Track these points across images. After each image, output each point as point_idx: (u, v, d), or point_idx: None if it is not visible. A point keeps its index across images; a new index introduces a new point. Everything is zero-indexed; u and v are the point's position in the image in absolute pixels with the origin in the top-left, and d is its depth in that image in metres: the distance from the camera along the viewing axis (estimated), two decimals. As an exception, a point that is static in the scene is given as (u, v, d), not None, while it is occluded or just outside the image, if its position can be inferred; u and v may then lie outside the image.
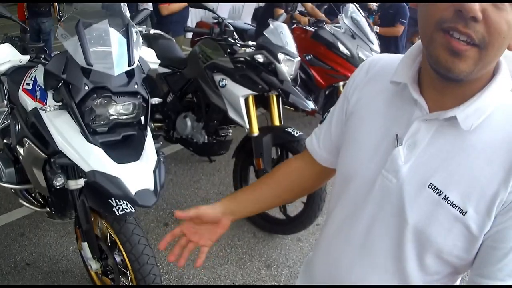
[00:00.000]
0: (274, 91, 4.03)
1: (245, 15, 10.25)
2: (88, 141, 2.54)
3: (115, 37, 2.69)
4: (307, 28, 6.26)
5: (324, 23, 6.19)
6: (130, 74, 2.66)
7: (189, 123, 4.62)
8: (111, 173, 2.48)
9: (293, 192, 1.67)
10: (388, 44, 7.11)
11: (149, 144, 2.76)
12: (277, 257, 4.05)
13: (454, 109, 1.09)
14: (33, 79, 3.05)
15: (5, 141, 4.06)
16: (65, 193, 3.12)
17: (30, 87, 3.03)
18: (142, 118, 2.81)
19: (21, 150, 3.10)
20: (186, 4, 6.49)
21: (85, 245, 3.00)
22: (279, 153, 4.16)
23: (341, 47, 5.80)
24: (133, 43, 2.74)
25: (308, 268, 1.59)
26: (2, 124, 4.28)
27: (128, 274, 2.96)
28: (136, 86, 2.66)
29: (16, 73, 3.82)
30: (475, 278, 1.09)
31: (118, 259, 3.00)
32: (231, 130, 4.79)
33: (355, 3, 6.11)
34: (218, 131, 4.68)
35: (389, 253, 1.22)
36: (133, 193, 2.49)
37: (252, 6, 9.81)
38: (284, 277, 3.84)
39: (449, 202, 1.09)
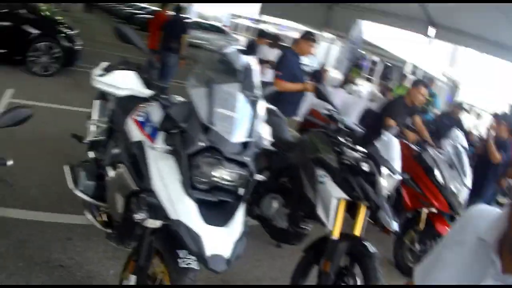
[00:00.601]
0: (365, 201, 3.99)
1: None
2: (185, 193, 2.62)
3: (242, 104, 2.77)
4: (412, 146, 6.26)
5: (428, 145, 6.16)
6: (245, 144, 2.73)
7: (275, 205, 4.65)
8: (195, 230, 2.54)
9: None
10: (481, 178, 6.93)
11: (240, 215, 2.81)
12: None
13: None
14: (146, 113, 3.20)
15: (93, 155, 4.18)
16: (134, 225, 3.18)
17: (141, 119, 3.18)
18: (242, 190, 2.85)
19: (111, 172, 3.26)
20: (303, 86, 6.58)
21: (133, 277, 3.02)
22: (348, 263, 4.01)
23: (438, 175, 5.71)
24: (257, 117, 2.83)
25: None
26: (95, 137, 4.43)
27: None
28: (247, 159, 2.72)
29: (126, 99, 3.95)
30: None
31: None
32: (311, 225, 4.73)
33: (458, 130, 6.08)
34: (300, 222, 4.64)
35: None
36: (208, 255, 2.53)
37: (361, 107, 9.86)
38: None
39: None
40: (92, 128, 4.63)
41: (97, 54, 12.53)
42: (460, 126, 7.42)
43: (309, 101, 7.69)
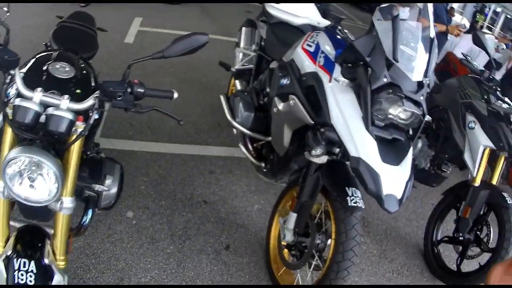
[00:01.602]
0: (506, 153, 3.90)
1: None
2: (367, 129, 2.54)
3: (421, 43, 2.68)
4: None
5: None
6: (420, 84, 2.63)
7: (419, 145, 4.54)
8: (375, 168, 2.47)
9: None
10: None
11: (410, 155, 2.73)
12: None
13: None
14: (315, 43, 3.07)
15: (239, 83, 4.15)
16: (293, 159, 3.16)
17: (312, 49, 3.05)
18: (411, 130, 2.79)
19: (279, 104, 3.16)
20: (447, 28, 6.41)
21: (293, 215, 2.99)
22: (485, 210, 4.01)
23: None
24: (433, 57, 2.73)
25: None
26: (243, 65, 4.38)
27: (318, 260, 2.95)
28: (422, 98, 2.62)
29: (280, 28, 3.87)
30: None
31: (317, 241, 2.97)
32: (451, 168, 4.68)
33: None
34: (442, 165, 4.60)
35: None
36: (385, 195, 2.47)
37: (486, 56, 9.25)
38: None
39: None
40: (240, 56, 4.57)
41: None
42: None
43: (446, 46, 7.50)
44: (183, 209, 3.78)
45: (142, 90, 2.08)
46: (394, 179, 2.54)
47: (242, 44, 4.61)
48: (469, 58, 4.66)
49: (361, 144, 2.52)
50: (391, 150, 2.62)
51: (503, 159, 4.00)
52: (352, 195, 2.67)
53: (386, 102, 2.55)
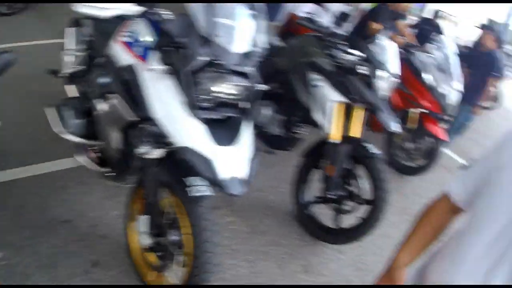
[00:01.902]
0: (361, 103, 3.88)
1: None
2: (191, 114, 2.38)
3: (243, 13, 2.53)
4: (400, 49, 6.02)
5: (416, 49, 6.02)
6: (247, 55, 2.51)
7: (267, 112, 4.47)
8: (205, 155, 2.34)
9: (438, 238, 1.78)
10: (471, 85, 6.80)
11: (249, 131, 2.61)
12: (316, 264, 3.93)
13: None
14: (131, 32, 2.88)
15: (74, 88, 3.89)
16: (133, 159, 2.97)
17: (128, 39, 2.86)
18: (247, 104, 2.65)
19: (101, 105, 2.94)
20: None
21: (144, 218, 2.85)
22: (351, 164, 4.00)
23: (427, 77, 5.69)
24: (260, 26, 2.60)
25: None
26: (74, 68, 4.11)
27: (180, 256, 2.81)
28: (249, 69, 2.51)
29: (105, 21, 3.65)
30: None
31: (173, 238, 2.82)
32: (303, 129, 4.63)
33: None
34: (294, 127, 4.54)
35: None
36: (224, 179, 2.35)
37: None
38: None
39: None
40: (68, 59, 4.27)
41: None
42: (440, 32, 7.26)
43: (287, 5, 7.48)
44: (46, 235, 3.51)
45: None
46: (233, 160, 2.42)
47: (68, 46, 4.31)
48: (313, 16, 4.59)
49: (186, 131, 2.37)
50: (225, 130, 2.50)
51: (359, 111, 3.98)
52: (193, 185, 2.53)
53: (208, 82, 2.41)
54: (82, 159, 3.44)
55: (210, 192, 2.57)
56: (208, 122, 2.43)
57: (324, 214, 4.28)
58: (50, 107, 3.50)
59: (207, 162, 2.33)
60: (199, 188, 2.53)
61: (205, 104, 2.45)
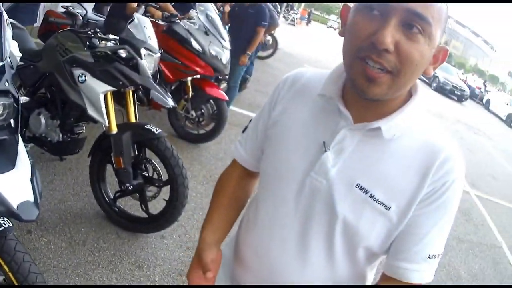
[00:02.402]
0: (132, 87, 3.85)
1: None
2: None
3: None
4: (160, 22, 6.05)
5: (177, 19, 6.00)
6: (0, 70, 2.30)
7: (43, 120, 4.21)
8: None
9: (243, 206, 1.77)
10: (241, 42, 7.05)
11: (22, 149, 2.40)
12: (146, 256, 3.89)
13: (378, 121, 1.26)
14: None
15: None
16: None
17: None
18: (12, 121, 2.42)
19: None
20: None
21: None
22: (138, 151, 3.96)
23: (194, 43, 5.74)
24: (4, 35, 2.37)
25: (238, 261, 1.64)
26: None
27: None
28: (6, 84, 2.30)
29: None
30: (395, 262, 1.31)
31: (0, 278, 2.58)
32: (85, 128, 4.46)
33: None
34: (74, 128, 4.33)
35: (322, 248, 1.36)
36: (15, 207, 2.15)
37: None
38: (157, 276, 3.70)
39: (374, 199, 1.25)
40: None
41: None
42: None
43: (43, 5, 7.16)
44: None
45: None
46: (17, 184, 2.23)
47: None
48: (70, 7, 4.34)
49: None
50: (1, 155, 2.28)
51: (131, 94, 3.95)
52: None
53: None
54: None
55: (10, 223, 2.35)
56: None
57: (134, 205, 4.25)
58: None
59: None
60: (0, 222, 2.31)
61: None
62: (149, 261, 3.84)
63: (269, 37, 10.89)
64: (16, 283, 2.41)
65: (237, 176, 1.72)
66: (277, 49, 12.02)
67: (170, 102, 3.94)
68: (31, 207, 2.22)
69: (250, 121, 1.66)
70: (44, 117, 4.22)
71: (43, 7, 7.13)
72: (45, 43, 4.31)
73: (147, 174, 3.95)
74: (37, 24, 6.86)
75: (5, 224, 2.31)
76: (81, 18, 4.02)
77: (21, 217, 2.16)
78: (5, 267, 2.39)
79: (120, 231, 4.08)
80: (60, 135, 4.24)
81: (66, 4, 4.25)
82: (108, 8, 6.71)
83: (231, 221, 1.72)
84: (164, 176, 3.87)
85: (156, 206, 4.12)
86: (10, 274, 2.40)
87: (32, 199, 2.24)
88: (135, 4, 5.67)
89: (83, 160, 4.44)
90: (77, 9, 4.16)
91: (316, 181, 1.32)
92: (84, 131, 4.43)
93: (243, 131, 1.67)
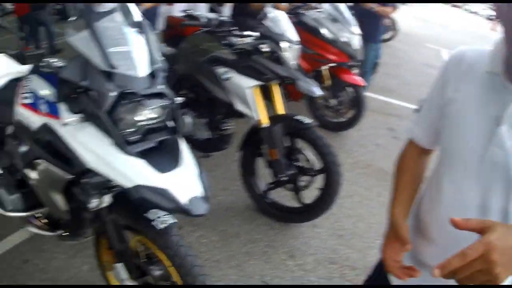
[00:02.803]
0: (276, 80, 3.86)
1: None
2: (125, 153, 2.25)
3: (131, 33, 2.41)
4: (288, 15, 6.03)
5: (303, 8, 6.01)
6: (153, 74, 2.40)
7: (188, 120, 4.38)
8: (158, 186, 2.20)
9: (421, 182, 1.80)
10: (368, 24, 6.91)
11: (185, 147, 2.50)
12: (299, 246, 3.90)
13: None
14: (31, 91, 2.68)
15: None
16: (83, 213, 2.86)
17: (30, 100, 2.65)
18: (169, 122, 2.54)
19: (32, 174, 2.74)
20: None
21: (119, 266, 2.70)
22: (290, 141, 3.96)
23: (325, 32, 5.71)
24: (152, 40, 2.48)
25: (420, 235, 1.69)
26: None
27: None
28: (161, 87, 2.40)
29: None
30: None
31: (158, 273, 2.71)
32: (231, 124, 4.57)
33: None
34: (221, 125, 4.47)
35: (500, 218, 1.39)
36: (186, 203, 2.22)
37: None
38: (310, 265, 3.69)
39: None
40: None
41: None
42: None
43: (162, 11, 7.39)
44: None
45: None
46: (184, 181, 2.30)
47: None
48: (191, 11, 4.51)
49: (129, 170, 2.22)
50: (164, 156, 2.38)
51: (277, 88, 3.97)
52: (156, 218, 2.41)
53: (128, 115, 2.27)
54: (33, 229, 3.28)
55: (174, 219, 2.47)
56: (145, 153, 2.31)
57: (284, 196, 4.26)
58: None
59: (163, 192, 2.20)
60: (163, 219, 2.41)
61: (133, 138, 2.33)
62: (301, 250, 3.84)
63: (389, 19, 10.76)
64: (177, 277, 2.53)
65: (415, 154, 1.78)
66: (397, 30, 11.86)
67: (318, 91, 3.94)
68: (200, 202, 2.28)
69: (421, 102, 1.69)
70: (190, 117, 4.36)
71: (160, 14, 7.36)
72: (171, 48, 4.45)
73: (299, 164, 3.97)
74: (158, 30, 7.14)
75: (169, 221, 2.42)
76: (218, 18, 4.12)
77: (191, 212, 2.22)
78: (167, 262, 2.52)
79: (273, 222, 4.14)
80: (208, 133, 4.40)
81: (185, 9, 4.37)
82: (224, 9, 6.83)
83: (413, 198, 1.76)
84: (317, 165, 3.86)
85: (307, 195, 4.10)
86: (171, 268, 2.52)
87: (201, 194, 2.30)
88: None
89: (230, 155, 4.56)
90: (195, 11, 4.29)
91: (494, 154, 1.36)
92: (231, 127, 4.53)
93: (416, 112, 1.72)
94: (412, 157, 1.79)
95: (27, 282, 3.55)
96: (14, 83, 2.99)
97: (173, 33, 5.75)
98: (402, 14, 11.96)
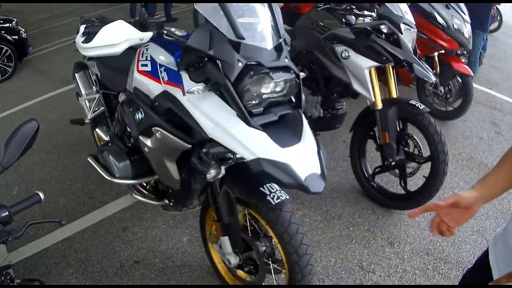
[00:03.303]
0: (393, 62, 3.78)
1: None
2: (249, 124, 2.22)
3: (259, 6, 2.40)
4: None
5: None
6: (278, 47, 2.36)
7: (303, 97, 4.37)
8: (279, 160, 2.16)
9: None
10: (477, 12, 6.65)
11: (306, 123, 2.44)
12: (398, 233, 3.85)
13: None
14: (149, 59, 2.71)
15: (101, 131, 3.78)
16: (191, 183, 2.86)
17: (148, 68, 2.69)
18: (293, 97, 2.51)
19: (147, 141, 2.78)
20: None
21: (225, 239, 2.70)
22: (401, 126, 3.91)
23: (438, 18, 5.51)
24: (278, 14, 2.45)
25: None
26: (94, 112, 3.99)
27: (274, 264, 2.72)
28: (286, 60, 2.36)
29: (107, 57, 3.53)
30: None
31: (263, 249, 2.70)
32: (344, 103, 4.50)
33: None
34: (335, 104, 4.41)
35: None
36: (303, 180, 2.17)
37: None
38: (407, 254, 3.64)
39: None
40: (87, 104, 4.14)
41: (44, 33, 11.97)
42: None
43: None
44: (121, 281, 3.39)
45: (5, 213, 1.71)
46: (304, 157, 2.25)
47: (83, 91, 4.15)
48: None
49: (251, 143, 2.19)
50: (286, 130, 2.34)
51: (391, 70, 3.90)
52: (271, 192, 2.38)
53: (254, 86, 2.26)
54: (139, 197, 3.33)
55: (287, 195, 2.43)
56: (267, 126, 2.28)
57: (389, 181, 4.26)
58: (90, 157, 3.43)
59: (284, 167, 2.16)
60: (278, 194, 2.38)
61: (258, 110, 2.32)
62: (400, 238, 3.79)
63: (494, 9, 10.35)
64: (283, 255, 2.51)
65: None
66: (502, 21, 11.37)
67: (433, 77, 3.85)
68: (318, 179, 2.23)
69: None
70: (304, 94, 4.33)
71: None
72: (287, 24, 4.41)
73: (408, 150, 3.91)
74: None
75: (282, 197, 2.38)
76: None
77: (309, 189, 2.18)
78: (276, 238, 2.50)
79: (376, 207, 4.10)
80: (321, 111, 4.34)
81: None
82: None
83: (505, 185, 1.60)
84: (425, 152, 3.79)
85: (410, 183, 4.05)
86: (279, 245, 2.49)
87: (319, 171, 2.26)
88: None
89: (337, 136, 4.57)
90: None
91: None
92: (344, 106, 4.47)
93: None
94: None
95: (125, 250, 3.65)
96: (131, 51, 3.01)
97: (287, 9, 5.70)
98: (506, 6, 11.46)
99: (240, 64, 2.21)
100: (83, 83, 4.18)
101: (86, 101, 4.15)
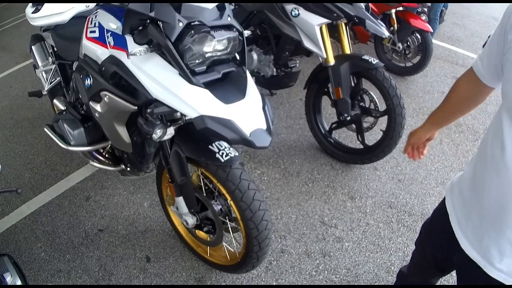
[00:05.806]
0: (345, 19, 3.73)
1: None
2: (191, 83, 2.20)
3: None
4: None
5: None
6: (221, 6, 2.33)
7: (255, 56, 4.33)
8: (222, 116, 2.15)
9: (463, 112, 1.99)
10: None
11: (250, 80, 2.42)
12: (359, 187, 3.88)
13: None
14: (97, 25, 2.68)
15: (59, 101, 3.76)
16: (146, 147, 2.85)
17: (96, 34, 2.66)
18: (237, 54, 2.48)
19: (97, 106, 2.74)
20: None
21: (180, 200, 2.71)
22: (355, 81, 3.90)
23: None
24: None
25: (463, 191, 1.69)
26: (51, 83, 3.99)
27: (231, 222, 2.74)
28: (229, 19, 2.33)
29: (63, 26, 3.51)
30: None
31: (218, 208, 2.71)
32: (298, 61, 4.49)
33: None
34: (287, 63, 4.39)
35: None
36: (248, 135, 2.17)
37: None
38: (369, 207, 3.67)
39: None
40: (44, 75, 4.14)
41: (6, 8, 11.89)
42: None
43: None
44: (88, 250, 3.43)
45: None
46: (249, 113, 2.24)
47: (39, 63, 4.15)
48: None
49: (194, 100, 2.17)
50: (230, 87, 2.33)
51: (343, 26, 3.87)
52: (219, 150, 2.40)
53: (195, 45, 2.22)
54: (96, 164, 3.32)
55: (237, 152, 2.44)
56: (210, 84, 2.27)
57: (348, 137, 4.29)
58: (46, 127, 3.41)
59: (228, 123, 2.16)
60: (227, 151, 2.40)
61: (199, 68, 2.31)
62: (361, 192, 3.82)
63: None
64: (237, 212, 2.52)
65: (468, 80, 1.80)
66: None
67: (386, 32, 3.82)
68: (264, 134, 2.23)
69: (489, 37, 1.63)
70: (256, 53, 4.31)
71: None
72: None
73: (364, 105, 3.91)
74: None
75: (231, 154, 2.40)
76: None
77: (254, 144, 2.18)
78: (228, 196, 2.50)
79: (335, 163, 4.12)
80: (274, 70, 4.33)
81: None
82: None
83: (452, 114, 2.02)
84: (382, 107, 3.79)
85: (370, 138, 4.10)
86: (232, 203, 2.50)
87: (264, 126, 2.25)
88: None
89: (294, 94, 4.56)
90: None
91: None
92: (297, 64, 4.46)
93: (483, 46, 1.67)
94: (465, 82, 1.84)
95: (89, 219, 3.67)
96: (83, 19, 2.98)
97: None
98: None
99: (180, 24, 2.18)
100: (39, 55, 4.19)
101: (43, 73, 4.16)
